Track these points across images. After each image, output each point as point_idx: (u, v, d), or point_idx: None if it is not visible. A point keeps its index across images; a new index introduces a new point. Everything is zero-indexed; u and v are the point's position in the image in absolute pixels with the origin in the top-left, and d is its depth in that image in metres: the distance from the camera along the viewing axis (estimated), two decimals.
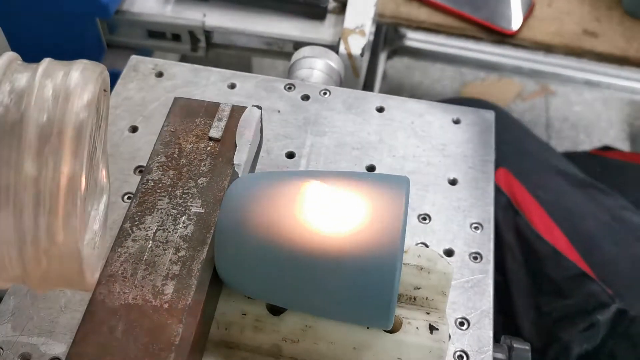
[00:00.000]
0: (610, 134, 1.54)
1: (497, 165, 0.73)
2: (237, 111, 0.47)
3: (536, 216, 0.74)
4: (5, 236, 0.30)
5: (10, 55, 0.33)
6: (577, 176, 0.81)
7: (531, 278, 0.73)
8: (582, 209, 0.76)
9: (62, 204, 0.29)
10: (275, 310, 0.42)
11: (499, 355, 0.47)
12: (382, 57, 1.09)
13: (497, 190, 0.73)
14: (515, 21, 0.90)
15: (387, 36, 1.10)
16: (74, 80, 0.31)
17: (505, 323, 0.73)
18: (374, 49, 0.93)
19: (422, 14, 0.91)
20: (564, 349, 0.67)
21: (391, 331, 0.41)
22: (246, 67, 1.17)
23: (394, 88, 1.54)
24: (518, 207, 0.75)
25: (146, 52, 0.85)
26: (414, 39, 1.12)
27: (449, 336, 0.45)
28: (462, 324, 0.47)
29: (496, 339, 0.47)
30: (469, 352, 0.46)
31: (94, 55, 0.81)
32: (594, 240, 0.73)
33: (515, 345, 0.48)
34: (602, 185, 0.79)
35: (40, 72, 0.31)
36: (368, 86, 0.90)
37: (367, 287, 0.36)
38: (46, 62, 0.32)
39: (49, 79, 0.31)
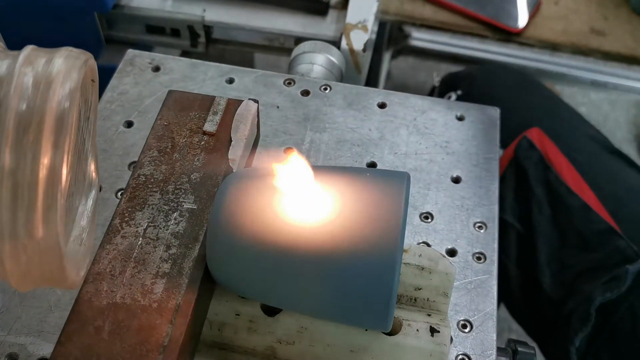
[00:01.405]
0: (617, 135, 1.52)
1: (530, 126, 0.77)
2: (232, 105, 0.46)
3: (567, 173, 0.75)
4: None
5: None
6: (607, 142, 0.82)
7: (557, 232, 0.73)
8: (612, 172, 0.77)
9: (42, 198, 0.28)
10: (270, 311, 0.41)
11: None
12: (387, 56, 1.08)
13: (530, 146, 0.75)
14: (521, 19, 0.88)
15: (392, 35, 1.08)
16: (57, 68, 0.30)
17: (525, 277, 0.73)
18: (378, 48, 0.92)
19: (427, 11, 0.90)
20: (585, 300, 0.67)
21: (390, 333, 0.40)
22: (248, 64, 1.15)
23: (398, 88, 1.53)
24: (550, 163, 0.75)
25: (146, 48, 0.83)
26: (419, 38, 1.10)
27: (451, 339, 0.44)
28: (464, 326, 0.46)
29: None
30: (471, 356, 0.44)
31: (92, 50, 0.80)
32: (622, 200, 0.73)
33: (519, 349, 0.46)
34: (629, 157, 0.80)
35: (22, 59, 0.30)
36: (372, 86, 0.89)
37: (365, 287, 0.35)
38: (28, 49, 0.31)
39: (30, 67, 0.29)
